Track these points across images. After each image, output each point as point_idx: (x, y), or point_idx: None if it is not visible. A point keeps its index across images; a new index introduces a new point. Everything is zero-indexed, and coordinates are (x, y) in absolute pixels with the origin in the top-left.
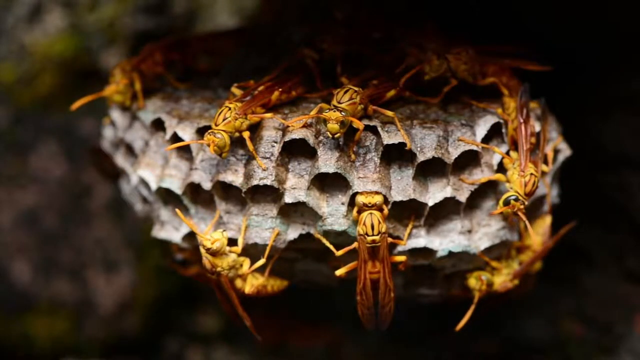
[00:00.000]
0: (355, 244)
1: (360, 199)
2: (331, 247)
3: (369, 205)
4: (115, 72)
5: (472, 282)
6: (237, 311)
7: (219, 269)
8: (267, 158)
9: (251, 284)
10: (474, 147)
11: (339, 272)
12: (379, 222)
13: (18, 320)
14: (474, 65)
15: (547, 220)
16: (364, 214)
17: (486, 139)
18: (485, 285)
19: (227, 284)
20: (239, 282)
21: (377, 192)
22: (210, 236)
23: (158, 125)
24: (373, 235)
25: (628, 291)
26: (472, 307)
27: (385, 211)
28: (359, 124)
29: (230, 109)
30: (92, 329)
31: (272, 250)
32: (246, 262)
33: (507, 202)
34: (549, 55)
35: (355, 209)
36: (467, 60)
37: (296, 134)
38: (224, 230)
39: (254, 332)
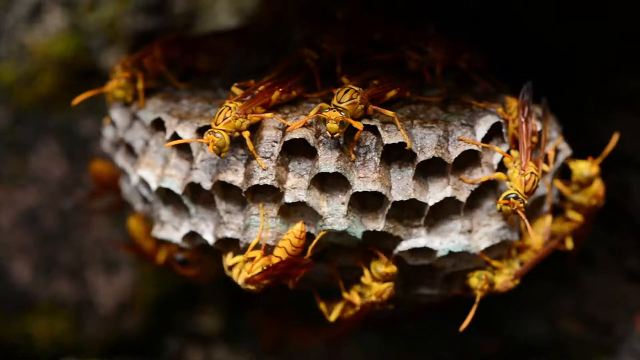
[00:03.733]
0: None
1: (381, 269)
2: (381, 255)
3: (390, 274)
4: (117, 68)
5: (474, 281)
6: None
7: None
8: (267, 158)
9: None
10: (474, 147)
11: (332, 317)
12: (390, 293)
13: (18, 320)
14: None
15: (548, 220)
16: (385, 286)
17: (486, 139)
18: (487, 285)
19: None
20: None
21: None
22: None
23: (158, 125)
24: (382, 304)
25: (628, 291)
26: (474, 307)
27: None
28: (357, 125)
29: (230, 108)
30: (92, 329)
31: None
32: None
33: (506, 199)
34: (549, 55)
35: (371, 274)
36: None
37: (296, 134)
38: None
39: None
